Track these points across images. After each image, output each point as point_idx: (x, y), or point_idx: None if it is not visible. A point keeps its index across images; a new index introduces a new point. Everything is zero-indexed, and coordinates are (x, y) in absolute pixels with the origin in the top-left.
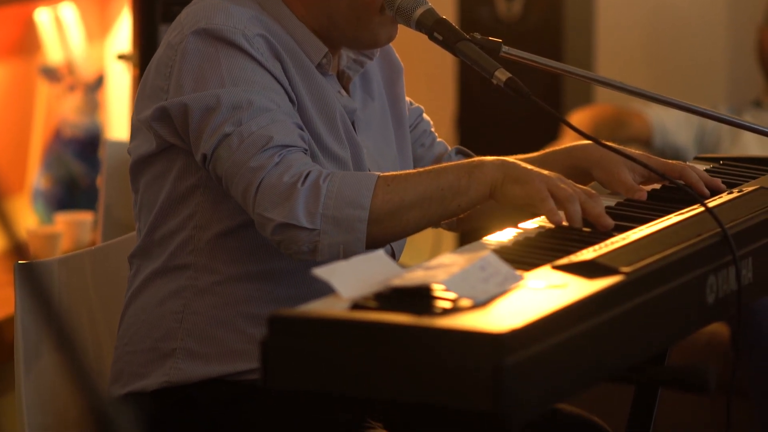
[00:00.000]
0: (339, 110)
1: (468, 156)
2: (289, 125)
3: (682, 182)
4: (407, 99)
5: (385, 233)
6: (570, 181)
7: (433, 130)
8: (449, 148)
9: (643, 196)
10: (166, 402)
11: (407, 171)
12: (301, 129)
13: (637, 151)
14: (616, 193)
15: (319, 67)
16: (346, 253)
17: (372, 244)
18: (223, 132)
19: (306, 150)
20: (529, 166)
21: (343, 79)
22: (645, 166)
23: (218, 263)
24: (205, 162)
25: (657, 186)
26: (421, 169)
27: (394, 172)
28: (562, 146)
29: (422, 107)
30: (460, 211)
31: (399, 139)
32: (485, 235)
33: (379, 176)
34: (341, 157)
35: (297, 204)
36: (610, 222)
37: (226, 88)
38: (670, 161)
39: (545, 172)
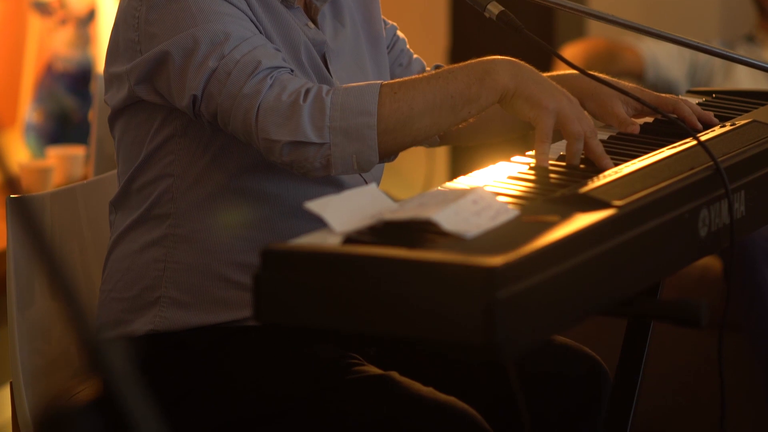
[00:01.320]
0: (303, 42)
1: None
2: (270, 49)
3: (674, 116)
4: (382, 18)
5: (396, 142)
6: (580, 109)
7: (408, 47)
8: (426, 66)
9: (636, 130)
10: (154, 346)
11: (413, 77)
12: (279, 51)
13: (630, 84)
14: (609, 126)
15: (284, 1)
16: (360, 163)
17: (384, 154)
18: (208, 68)
19: (292, 71)
20: (544, 82)
21: (311, 11)
22: (638, 99)
23: (198, 211)
24: (195, 105)
25: (650, 119)
26: (427, 75)
27: (399, 79)
28: (556, 73)
29: (396, 24)
30: (470, 117)
31: (375, 62)
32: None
33: (382, 84)
34: None
35: (302, 120)
36: (610, 164)
37: (200, 25)
38: (663, 95)
39: (561, 94)
